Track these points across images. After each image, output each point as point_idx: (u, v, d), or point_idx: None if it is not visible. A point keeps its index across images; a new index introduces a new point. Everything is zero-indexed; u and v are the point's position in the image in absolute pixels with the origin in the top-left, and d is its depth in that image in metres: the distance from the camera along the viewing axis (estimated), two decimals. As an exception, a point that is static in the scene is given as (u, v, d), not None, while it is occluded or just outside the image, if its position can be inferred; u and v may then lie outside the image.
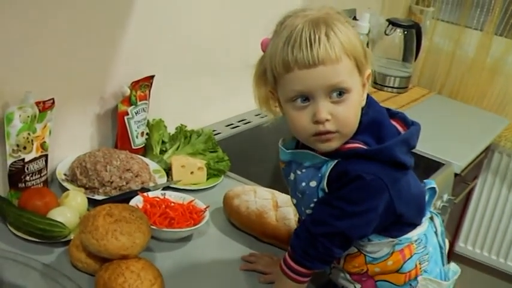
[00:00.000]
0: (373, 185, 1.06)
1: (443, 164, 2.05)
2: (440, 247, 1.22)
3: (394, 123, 1.17)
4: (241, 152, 1.89)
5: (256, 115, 2.17)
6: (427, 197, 1.23)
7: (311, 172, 1.12)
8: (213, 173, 1.65)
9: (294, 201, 1.20)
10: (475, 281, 2.80)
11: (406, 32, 2.60)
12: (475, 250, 2.88)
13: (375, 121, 1.12)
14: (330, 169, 1.09)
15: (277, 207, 1.42)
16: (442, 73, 2.80)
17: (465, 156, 2.18)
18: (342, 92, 1.06)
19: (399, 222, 1.13)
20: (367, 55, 1.10)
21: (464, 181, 2.37)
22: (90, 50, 1.52)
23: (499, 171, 2.75)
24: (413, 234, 1.16)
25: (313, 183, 1.11)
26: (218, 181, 1.64)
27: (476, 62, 2.70)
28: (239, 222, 1.44)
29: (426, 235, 1.18)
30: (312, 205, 1.13)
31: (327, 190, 1.10)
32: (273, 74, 1.09)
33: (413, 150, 1.14)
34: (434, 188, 1.25)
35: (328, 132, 1.07)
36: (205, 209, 1.41)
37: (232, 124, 2.07)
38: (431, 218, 1.22)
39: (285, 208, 1.41)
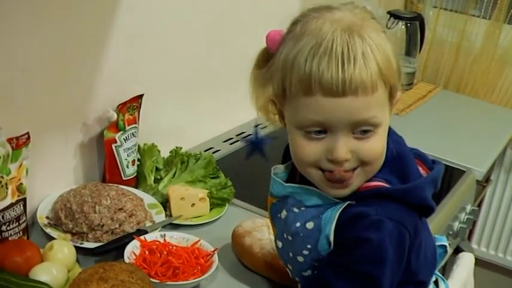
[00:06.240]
0: (398, 235, 0.86)
1: (464, 171, 1.87)
2: None
3: None
4: (244, 172, 1.69)
5: (256, 126, 1.97)
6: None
7: (311, 212, 0.91)
8: (216, 202, 1.45)
9: (280, 244, 0.99)
10: (489, 283, 2.64)
11: (409, 25, 2.41)
12: (489, 252, 2.73)
13: (398, 156, 0.92)
14: (339, 213, 0.88)
15: (295, 245, 1.23)
16: (447, 66, 2.61)
17: (484, 159, 2.01)
18: (369, 128, 0.85)
19: (408, 281, 0.92)
20: (401, 74, 0.91)
21: (480, 183, 2.20)
22: (68, 72, 1.32)
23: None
24: None
25: (310, 225, 0.91)
26: (222, 212, 1.44)
27: (484, 53, 2.52)
28: (252, 264, 1.26)
29: None
30: (304, 252, 0.92)
31: (332, 240, 0.88)
32: (283, 87, 0.86)
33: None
34: (445, 246, 1.05)
35: (344, 180, 0.86)
36: (213, 251, 1.22)
37: (231, 139, 1.87)
38: (435, 282, 1.02)
39: (306, 246, 1.22)
